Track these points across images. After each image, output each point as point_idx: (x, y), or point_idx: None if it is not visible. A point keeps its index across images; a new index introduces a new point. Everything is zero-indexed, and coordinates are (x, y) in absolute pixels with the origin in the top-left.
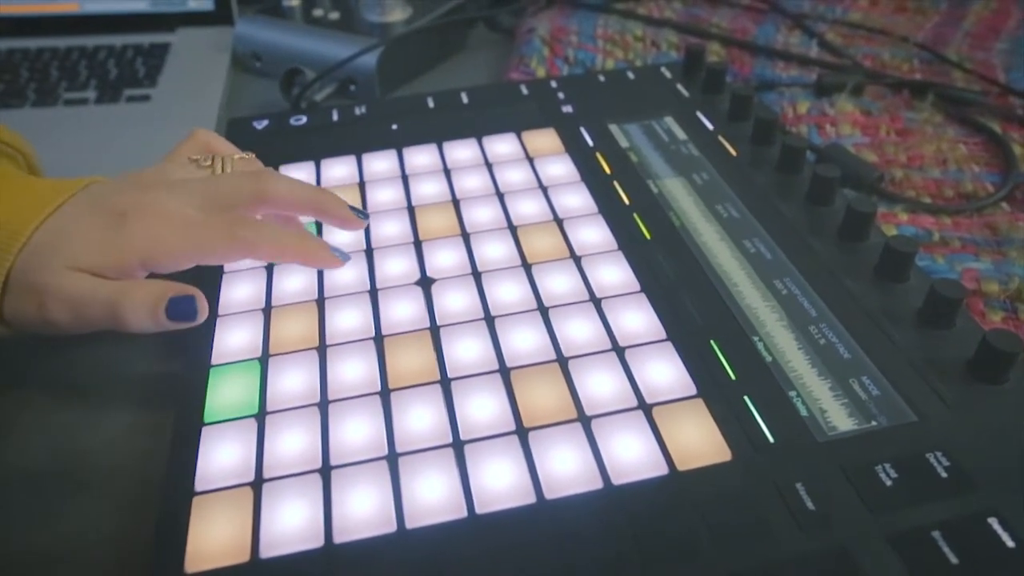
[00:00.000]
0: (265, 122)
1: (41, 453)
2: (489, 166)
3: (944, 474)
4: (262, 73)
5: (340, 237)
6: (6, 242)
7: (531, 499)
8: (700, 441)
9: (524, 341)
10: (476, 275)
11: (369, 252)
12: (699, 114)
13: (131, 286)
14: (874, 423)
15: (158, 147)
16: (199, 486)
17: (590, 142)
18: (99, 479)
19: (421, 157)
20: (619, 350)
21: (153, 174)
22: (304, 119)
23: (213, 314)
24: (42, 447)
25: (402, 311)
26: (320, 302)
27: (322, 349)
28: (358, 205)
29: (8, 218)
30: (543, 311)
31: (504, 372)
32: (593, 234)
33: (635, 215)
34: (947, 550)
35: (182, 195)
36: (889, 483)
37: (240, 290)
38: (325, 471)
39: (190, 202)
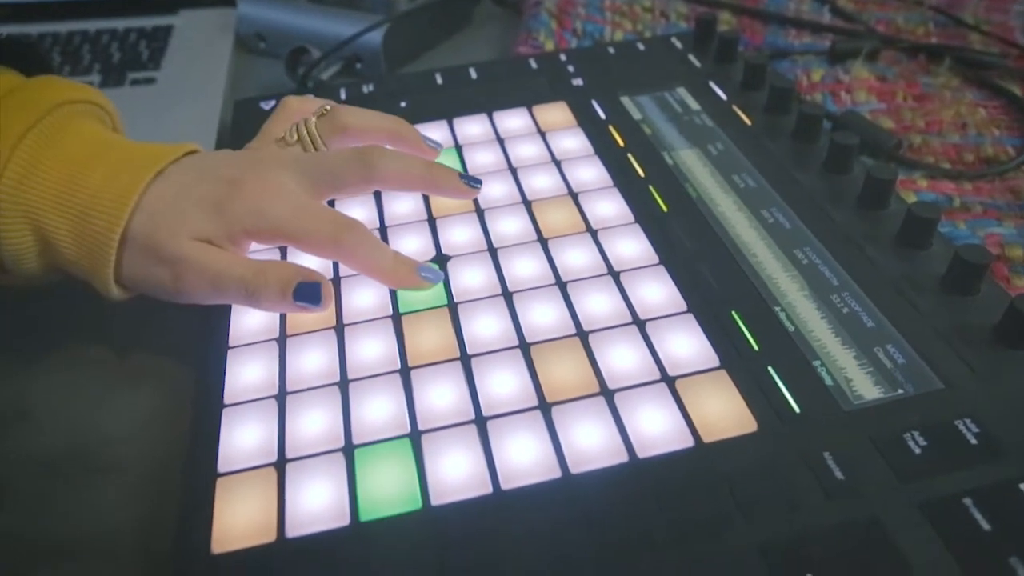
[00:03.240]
0: (272, 102)
1: (61, 438)
2: (501, 141)
3: (974, 441)
4: (266, 53)
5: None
6: (115, 207)
7: (556, 474)
8: (725, 412)
9: (543, 316)
10: (492, 251)
11: (383, 230)
12: (712, 84)
13: (265, 266)
14: (900, 391)
15: (165, 130)
16: (222, 467)
17: (602, 115)
18: (119, 463)
19: (431, 133)
20: (640, 323)
21: (256, 151)
22: (311, 98)
23: None
24: (62, 432)
25: (420, 289)
26: (336, 281)
27: (340, 329)
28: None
29: (114, 183)
30: (561, 285)
31: (524, 348)
32: (609, 207)
33: (650, 187)
34: (979, 516)
35: (293, 173)
36: (918, 451)
37: None
38: (348, 450)
39: (300, 181)
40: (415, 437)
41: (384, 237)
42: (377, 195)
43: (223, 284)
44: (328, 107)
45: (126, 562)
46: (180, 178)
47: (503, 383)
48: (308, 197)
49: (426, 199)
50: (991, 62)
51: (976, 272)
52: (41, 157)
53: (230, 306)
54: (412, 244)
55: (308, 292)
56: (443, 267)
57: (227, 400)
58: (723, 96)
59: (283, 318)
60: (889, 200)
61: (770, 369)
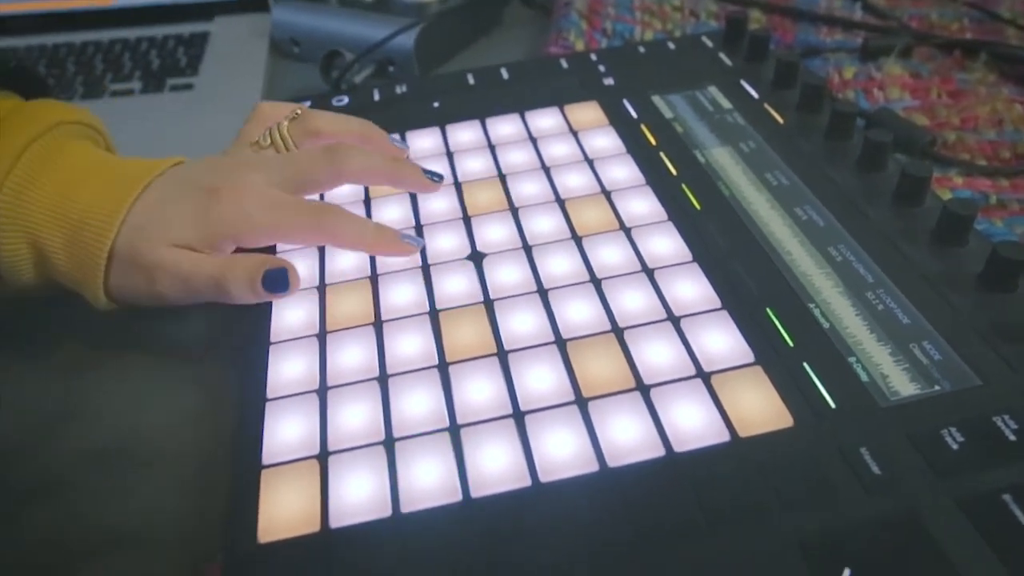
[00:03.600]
0: (307, 103)
1: (108, 435)
2: (533, 140)
3: (1012, 437)
4: (300, 58)
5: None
6: (105, 222)
7: (594, 467)
8: (761, 408)
9: (578, 312)
10: (527, 248)
11: (419, 228)
12: (743, 83)
13: (231, 261)
14: (937, 388)
15: (204, 134)
16: (266, 459)
17: (634, 114)
18: (164, 457)
19: (464, 133)
20: (674, 319)
21: (232, 156)
22: (346, 99)
23: None
24: (108, 429)
25: (455, 286)
26: (374, 279)
27: (378, 325)
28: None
29: (104, 199)
30: (596, 283)
31: (560, 343)
32: (642, 205)
33: (683, 185)
34: (1018, 513)
35: (267, 174)
36: (956, 447)
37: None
38: (389, 443)
39: (274, 181)
40: (454, 431)
41: (420, 234)
42: (413, 196)
43: (194, 283)
44: (299, 111)
45: (172, 553)
46: (163, 190)
47: (540, 378)
48: (286, 196)
49: (460, 198)
50: None
51: (1015, 269)
52: (38, 173)
53: (270, 304)
54: (447, 242)
55: (275, 279)
56: (478, 265)
57: (270, 395)
58: (755, 95)
59: (323, 314)
60: (924, 197)
61: (805, 365)
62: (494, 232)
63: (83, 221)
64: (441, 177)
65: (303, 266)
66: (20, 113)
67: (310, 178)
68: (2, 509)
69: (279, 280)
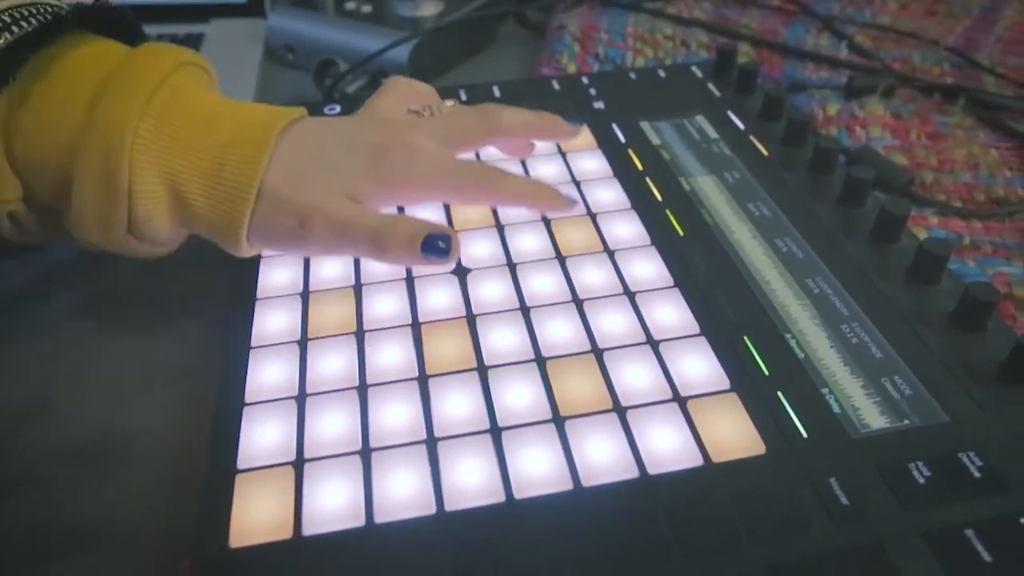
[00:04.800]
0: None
1: (84, 431)
2: (523, 161)
3: (977, 474)
4: (294, 65)
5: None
6: (253, 155)
7: (568, 486)
8: (734, 434)
9: (559, 332)
10: (511, 266)
11: None
12: (730, 113)
13: (395, 218)
14: (907, 422)
15: None
16: (241, 464)
17: (622, 138)
18: (141, 456)
19: None
20: (653, 343)
21: (386, 117)
22: (338, 108)
23: (252, 298)
24: (85, 425)
25: (438, 299)
26: (357, 289)
27: (360, 334)
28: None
29: (247, 134)
30: (578, 303)
31: (540, 362)
32: (626, 229)
33: (668, 211)
34: (980, 548)
35: (429, 132)
36: (922, 481)
37: (278, 275)
38: (365, 453)
39: (436, 139)
40: (431, 444)
41: None
42: (399, 209)
43: (351, 232)
44: (453, 103)
45: (147, 553)
46: (317, 137)
47: (519, 395)
48: (448, 154)
49: (448, 213)
50: (1005, 104)
51: (985, 309)
52: (171, 112)
53: (253, 308)
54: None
55: (436, 244)
56: (462, 279)
57: (248, 399)
58: (741, 126)
59: (305, 321)
60: (901, 235)
61: (779, 394)
62: (479, 248)
63: (224, 159)
64: (582, 121)
65: (288, 272)
66: (139, 58)
67: (468, 135)
68: None
69: (439, 246)
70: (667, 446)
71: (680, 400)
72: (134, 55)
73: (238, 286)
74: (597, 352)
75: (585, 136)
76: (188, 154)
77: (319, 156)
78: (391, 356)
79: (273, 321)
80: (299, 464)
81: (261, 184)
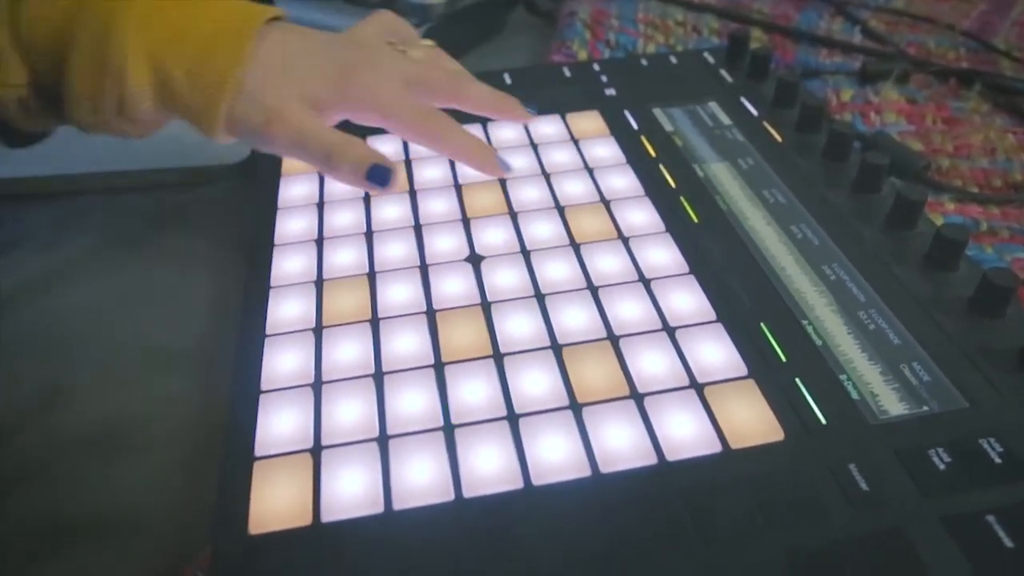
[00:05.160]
0: None
1: (97, 418)
2: (534, 146)
3: (997, 460)
4: None
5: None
6: (233, 51)
7: (587, 472)
8: (752, 421)
9: (575, 319)
10: (525, 253)
11: (418, 228)
12: (743, 100)
13: (350, 140)
14: (925, 408)
15: None
16: (259, 451)
17: (634, 125)
18: (154, 444)
19: None
20: (669, 330)
21: (364, 41)
22: None
23: (266, 286)
24: (98, 412)
25: (453, 287)
26: (371, 276)
27: (375, 322)
28: (405, 184)
29: (228, 29)
30: (593, 290)
31: (556, 349)
32: (640, 216)
33: (682, 198)
34: (1002, 534)
35: (398, 67)
36: (942, 467)
37: (292, 263)
38: (382, 440)
39: (403, 75)
40: (448, 431)
41: (419, 236)
42: (412, 195)
43: (307, 144)
44: (429, 43)
45: (160, 539)
46: (295, 42)
47: (535, 382)
48: (408, 91)
49: (460, 200)
50: (1022, 88)
51: (1004, 295)
52: (161, 2)
53: (267, 294)
54: (447, 243)
55: (380, 173)
56: (476, 267)
57: (264, 387)
58: (754, 112)
59: (319, 308)
60: (918, 221)
61: (797, 381)
62: (493, 235)
63: (207, 51)
64: (537, 110)
65: (302, 259)
66: None
67: (433, 90)
68: None
69: (384, 175)
70: (685, 432)
71: (697, 387)
72: None
73: (252, 275)
74: (613, 339)
75: (597, 123)
76: (175, 41)
77: (293, 61)
78: (406, 343)
79: (287, 309)
80: (316, 451)
81: (241, 79)
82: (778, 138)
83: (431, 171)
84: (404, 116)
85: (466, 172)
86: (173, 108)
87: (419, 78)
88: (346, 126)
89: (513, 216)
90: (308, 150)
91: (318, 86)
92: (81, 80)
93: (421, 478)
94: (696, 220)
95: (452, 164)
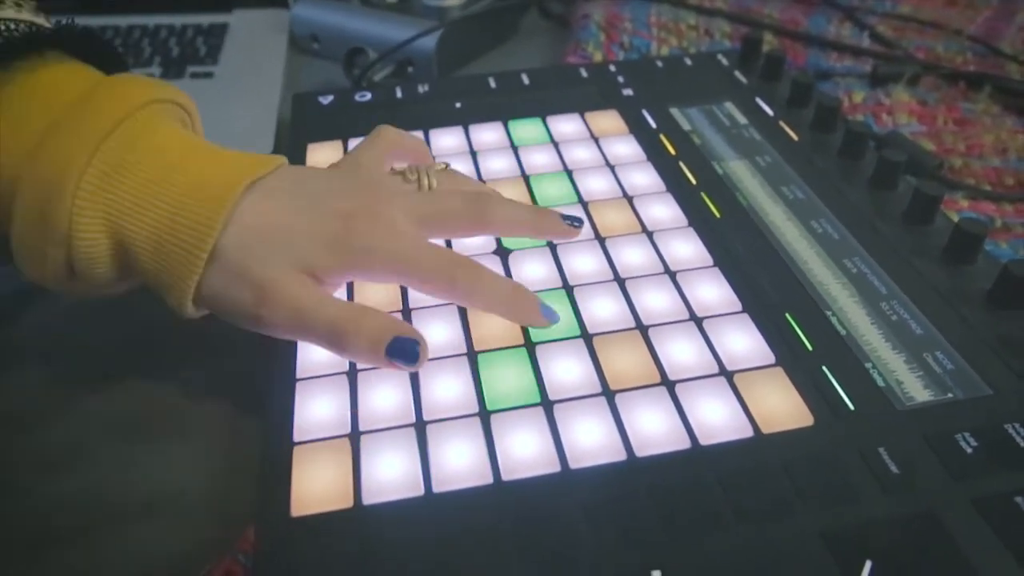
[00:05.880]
0: (330, 98)
1: (139, 402)
2: (555, 144)
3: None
4: (319, 55)
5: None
6: (208, 216)
7: (622, 456)
8: (782, 406)
9: (603, 309)
10: (551, 245)
11: None
12: (759, 100)
13: (360, 313)
14: (950, 395)
15: (227, 120)
16: (297, 437)
17: (653, 124)
18: (194, 428)
19: (487, 134)
20: (697, 320)
21: (364, 177)
22: (369, 95)
23: None
24: (139, 397)
25: None
26: None
27: (406, 312)
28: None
29: (205, 189)
30: (620, 282)
31: (587, 338)
32: (663, 211)
33: (702, 194)
34: None
35: (409, 205)
36: (970, 451)
37: None
38: (419, 425)
39: (415, 214)
40: (484, 416)
41: None
42: None
43: (309, 321)
44: (443, 165)
45: (201, 521)
46: (284, 199)
47: (568, 370)
48: (418, 234)
49: None
50: None
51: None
52: (125, 158)
53: None
54: (474, 238)
55: (405, 348)
56: (504, 260)
57: (299, 375)
58: (770, 112)
59: (350, 298)
60: (935, 216)
61: (824, 368)
62: None
63: (177, 215)
64: (581, 222)
65: None
66: (106, 89)
67: (451, 223)
68: (26, 475)
69: (410, 350)
70: (716, 418)
71: (727, 374)
72: (100, 86)
73: None
74: (642, 328)
75: (616, 121)
76: (137, 208)
77: (281, 222)
78: (439, 333)
79: None
80: (355, 436)
81: (213, 249)
82: (794, 137)
83: (454, 167)
84: (421, 271)
85: (489, 169)
86: (137, 277)
87: (435, 214)
88: None
89: None
90: (309, 329)
91: (313, 251)
92: (23, 240)
93: (459, 462)
94: (718, 215)
95: (474, 160)
